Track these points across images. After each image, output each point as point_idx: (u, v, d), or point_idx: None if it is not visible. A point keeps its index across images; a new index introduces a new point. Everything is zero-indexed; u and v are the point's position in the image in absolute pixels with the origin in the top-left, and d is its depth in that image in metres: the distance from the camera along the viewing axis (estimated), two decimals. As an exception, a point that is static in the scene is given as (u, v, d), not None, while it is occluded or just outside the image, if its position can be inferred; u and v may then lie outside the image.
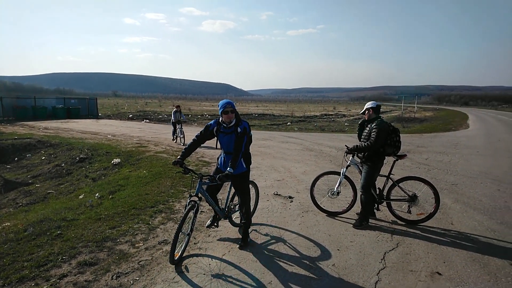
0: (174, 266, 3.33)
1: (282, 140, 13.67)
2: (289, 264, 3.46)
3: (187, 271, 3.29)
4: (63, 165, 9.91)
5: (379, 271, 3.34)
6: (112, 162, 8.98)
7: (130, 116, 28.81)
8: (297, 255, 3.67)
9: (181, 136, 12.15)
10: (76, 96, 28.02)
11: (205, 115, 32.38)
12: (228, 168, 3.46)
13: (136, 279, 3.13)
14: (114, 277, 3.15)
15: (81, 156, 10.28)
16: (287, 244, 3.93)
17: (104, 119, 25.41)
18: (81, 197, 6.30)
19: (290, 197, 5.71)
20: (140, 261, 3.48)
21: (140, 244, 3.87)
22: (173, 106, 15.25)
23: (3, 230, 4.37)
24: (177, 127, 12.29)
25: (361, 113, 4.67)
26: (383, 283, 3.13)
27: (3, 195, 7.98)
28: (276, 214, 4.91)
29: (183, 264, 3.41)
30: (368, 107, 4.54)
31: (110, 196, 5.87)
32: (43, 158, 11.21)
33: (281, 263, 3.48)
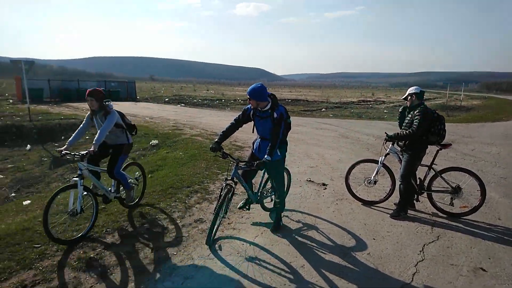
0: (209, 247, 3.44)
1: (316, 126, 13.42)
2: (322, 251, 3.43)
3: (221, 249, 3.39)
4: (105, 144, 10.50)
5: (417, 263, 3.22)
6: (150, 143, 9.36)
7: (167, 100, 29.70)
8: (330, 242, 3.63)
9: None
10: (116, 79, 29.26)
11: (238, 100, 32.54)
12: (266, 156, 3.43)
13: (173, 254, 3.29)
14: (154, 251, 3.33)
15: (122, 136, 10.82)
16: (320, 231, 3.90)
17: (142, 102, 26.43)
18: (122, 175, 6.65)
19: (323, 184, 5.63)
20: (177, 237, 3.64)
21: (177, 221, 4.04)
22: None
23: (55, 202, 4.74)
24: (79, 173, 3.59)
25: (403, 99, 4.44)
26: (421, 275, 3.02)
27: (52, 170, 8.64)
28: (309, 201, 4.87)
29: (217, 243, 3.51)
30: (411, 92, 4.30)
31: (149, 175, 6.14)
32: (87, 137, 11.90)
33: (313, 249, 3.47)
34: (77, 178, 3.53)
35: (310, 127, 13.10)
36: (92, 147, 3.59)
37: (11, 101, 21.84)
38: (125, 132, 4.15)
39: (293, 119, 3.82)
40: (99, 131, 3.76)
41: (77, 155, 3.59)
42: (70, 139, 3.87)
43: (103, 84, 28.66)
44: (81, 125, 4.01)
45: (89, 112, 4.02)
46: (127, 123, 4.22)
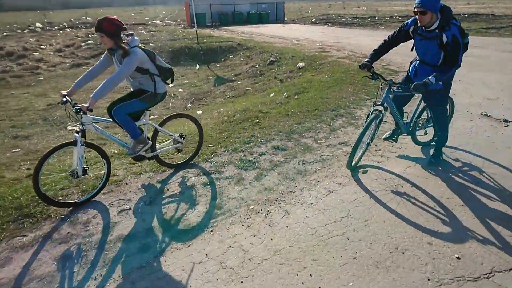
0: (350, 170, 3.44)
1: (502, 48, 10.33)
2: (486, 196, 2.93)
3: (364, 174, 3.37)
4: (257, 66, 11.33)
5: None
6: (296, 65, 9.50)
7: (313, 20, 28.42)
8: (500, 189, 3.04)
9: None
10: (267, 1, 29.52)
11: (395, 16, 27.87)
12: (430, 77, 2.84)
13: (318, 169, 3.51)
14: (300, 163, 3.64)
15: (271, 59, 11.36)
16: (487, 174, 3.28)
17: (289, 24, 26.27)
18: (272, 95, 7.17)
19: (505, 121, 4.51)
20: (322, 155, 3.82)
21: (322, 141, 4.18)
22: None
23: (220, 114, 5.66)
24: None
25: None
26: None
27: (216, 87, 10.13)
28: (481, 138, 4.05)
29: (360, 169, 3.48)
30: None
31: (296, 97, 6.39)
32: (242, 59, 13.10)
33: (475, 193, 3.00)
34: (77, 135, 2.80)
35: (492, 49, 10.21)
36: (88, 102, 2.72)
37: (182, 25, 25.70)
38: (153, 79, 3.10)
39: (470, 39, 3.01)
40: (103, 82, 2.78)
41: (73, 106, 2.72)
42: (77, 80, 2.97)
43: (254, 6, 29.62)
44: (95, 64, 3.07)
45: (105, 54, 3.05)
46: (160, 67, 3.13)
